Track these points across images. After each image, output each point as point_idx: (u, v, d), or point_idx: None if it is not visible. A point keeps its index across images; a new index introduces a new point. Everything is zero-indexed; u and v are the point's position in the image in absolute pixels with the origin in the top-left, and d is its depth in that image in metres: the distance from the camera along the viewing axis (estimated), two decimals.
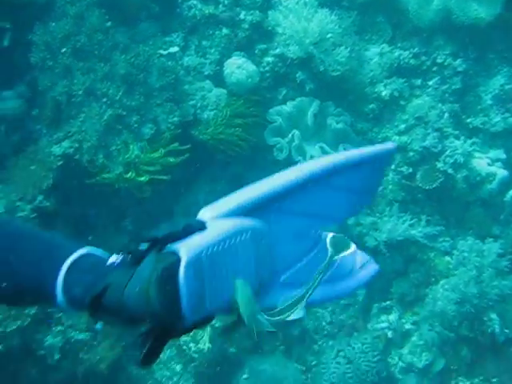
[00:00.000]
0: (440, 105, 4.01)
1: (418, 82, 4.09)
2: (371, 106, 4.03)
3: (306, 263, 0.95)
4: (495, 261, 3.74)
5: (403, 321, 4.08)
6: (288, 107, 3.75)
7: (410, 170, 4.00)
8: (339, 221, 1.03)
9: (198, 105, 3.46)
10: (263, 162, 3.94)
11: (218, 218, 0.84)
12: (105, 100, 3.09)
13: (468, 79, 4.12)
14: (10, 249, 0.88)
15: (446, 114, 4.00)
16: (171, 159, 3.24)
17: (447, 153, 3.92)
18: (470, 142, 3.98)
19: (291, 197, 0.92)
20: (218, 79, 3.63)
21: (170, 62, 3.38)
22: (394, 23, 4.23)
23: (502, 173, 4.01)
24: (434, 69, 4.10)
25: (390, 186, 4.05)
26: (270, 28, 3.83)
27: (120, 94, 3.08)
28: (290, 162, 3.73)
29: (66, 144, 3.14)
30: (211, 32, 3.62)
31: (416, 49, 4.08)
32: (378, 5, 4.17)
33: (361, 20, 4.20)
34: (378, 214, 4.05)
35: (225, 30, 3.62)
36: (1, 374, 2.91)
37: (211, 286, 0.78)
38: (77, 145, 3.11)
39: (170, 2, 3.59)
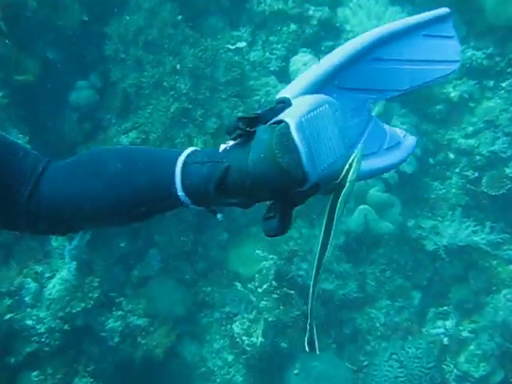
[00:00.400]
0: None
1: (491, 83, 3.94)
2: (438, 106, 3.92)
3: (367, 136, 1.00)
4: None
5: (460, 328, 3.97)
6: None
7: (476, 175, 3.88)
8: (406, 90, 1.05)
9: (263, 100, 3.48)
10: None
11: (296, 96, 0.90)
12: (172, 93, 3.16)
13: None
14: (128, 162, 0.91)
15: None
16: None
17: None
18: None
19: (349, 72, 0.98)
20: (284, 75, 3.64)
21: (236, 57, 3.41)
22: (467, 21, 4.08)
23: None
24: (509, 70, 3.94)
25: (454, 190, 3.94)
26: (338, 25, 3.80)
27: (187, 87, 3.14)
28: None
29: (133, 134, 3.23)
30: (279, 28, 3.63)
31: (490, 49, 3.93)
32: (452, 2, 4.03)
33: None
34: (439, 218, 3.95)
35: (293, 26, 3.62)
36: (64, 352, 3.07)
37: (316, 147, 0.84)
38: (143, 136, 3.20)
39: None
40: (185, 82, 3.19)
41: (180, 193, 0.86)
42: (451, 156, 3.96)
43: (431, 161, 3.99)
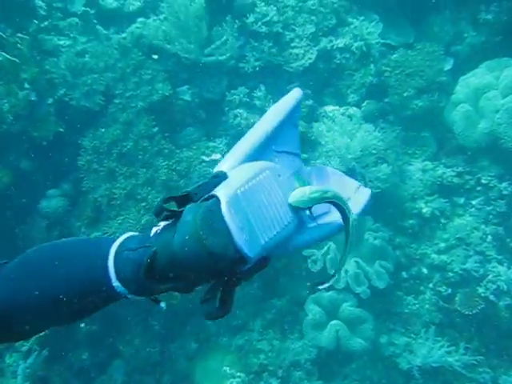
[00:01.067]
0: (483, 226, 3.90)
1: (461, 200, 4.01)
2: (411, 221, 3.95)
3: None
4: None
5: None
6: None
7: (449, 291, 3.84)
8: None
9: None
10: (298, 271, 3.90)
11: (233, 168, 0.89)
12: (144, 204, 3.14)
13: None
14: (58, 258, 0.87)
15: (490, 237, 3.87)
16: None
17: (489, 278, 3.76)
18: None
19: (282, 137, 1.01)
20: None
21: (211, 169, 3.43)
22: (439, 138, 4.22)
23: None
24: (478, 188, 4.02)
25: (427, 306, 3.88)
26: (313, 138, 3.89)
27: (159, 199, 3.13)
28: (324, 274, 3.66)
29: None
30: None
31: (460, 168, 4.03)
32: (424, 119, 4.17)
33: (405, 134, 4.21)
34: (412, 335, 3.87)
35: None
36: None
37: (256, 220, 0.81)
38: None
39: (216, 109, 3.71)
40: (157, 193, 3.19)
41: (115, 283, 0.82)
42: (424, 271, 3.94)
43: (404, 275, 3.97)
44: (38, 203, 3.25)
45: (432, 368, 3.69)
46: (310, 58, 3.89)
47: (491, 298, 3.68)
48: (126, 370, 3.73)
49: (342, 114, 4.06)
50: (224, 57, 3.59)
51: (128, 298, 0.85)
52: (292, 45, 3.90)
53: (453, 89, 4.09)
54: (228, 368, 3.38)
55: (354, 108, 4.15)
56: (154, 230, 0.85)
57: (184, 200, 0.81)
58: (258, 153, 0.95)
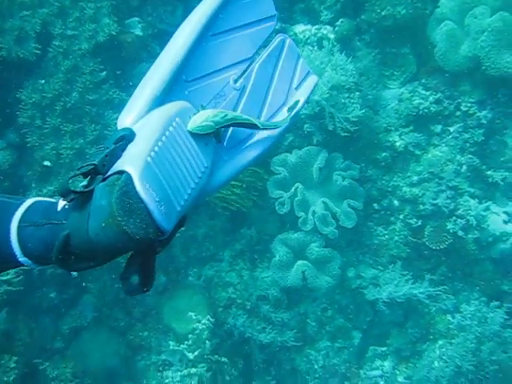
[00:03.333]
0: (459, 157, 3.74)
1: (438, 128, 3.79)
2: (384, 154, 3.78)
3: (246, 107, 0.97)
4: (497, 332, 3.60)
5: (397, 372, 4.02)
6: (293, 157, 3.55)
7: (419, 224, 3.80)
8: (254, 55, 1.02)
9: None
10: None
11: (139, 119, 0.82)
12: None
13: (493, 128, 3.80)
14: None
15: (465, 167, 3.74)
16: None
17: (459, 211, 3.69)
18: (485, 203, 3.72)
19: (193, 62, 0.92)
20: None
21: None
22: (421, 53, 3.88)
23: None
24: (457, 114, 3.79)
25: (396, 238, 3.86)
26: None
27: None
28: (292, 216, 3.58)
29: None
30: None
31: (439, 93, 3.75)
32: (406, 31, 3.78)
33: (383, 51, 3.86)
34: (380, 267, 3.90)
35: None
36: None
37: (171, 184, 0.77)
38: None
39: None
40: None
41: (21, 258, 0.80)
42: (395, 203, 3.86)
43: (375, 206, 3.89)
44: None
45: (397, 301, 3.77)
46: None
47: (460, 233, 3.65)
48: (95, 306, 3.79)
49: (314, 35, 3.68)
50: None
51: (34, 268, 0.83)
52: None
53: None
54: (193, 313, 3.42)
55: (328, 27, 3.76)
56: (62, 203, 0.79)
57: (91, 175, 0.74)
58: (165, 93, 0.85)
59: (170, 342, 3.56)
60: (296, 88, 1.05)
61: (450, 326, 3.83)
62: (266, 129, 0.95)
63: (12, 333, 3.20)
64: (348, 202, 3.54)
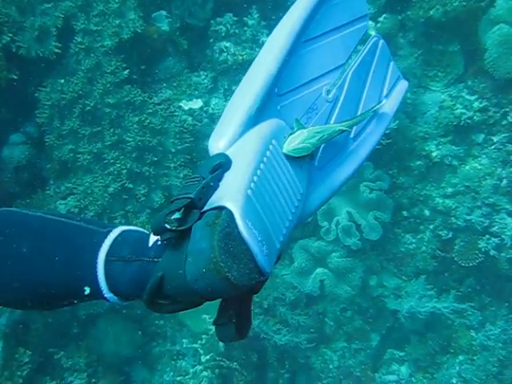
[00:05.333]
0: (500, 170, 3.50)
1: (480, 138, 3.54)
2: (418, 162, 3.57)
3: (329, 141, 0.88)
4: None
5: (413, 380, 3.95)
6: None
7: (450, 236, 3.62)
8: (346, 61, 0.96)
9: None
10: None
11: (234, 142, 0.76)
12: (112, 170, 2.87)
13: None
14: (36, 247, 0.77)
15: (505, 182, 3.50)
16: None
17: (494, 229, 3.49)
18: None
19: (285, 73, 0.84)
20: None
21: (190, 119, 3.05)
22: (471, 51, 3.57)
23: None
24: (504, 123, 3.52)
25: (424, 248, 3.70)
26: None
27: (130, 161, 2.85)
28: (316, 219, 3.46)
29: (71, 202, 2.99)
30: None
31: (485, 100, 3.48)
32: (455, 27, 3.47)
33: (428, 48, 3.58)
34: (404, 277, 3.77)
35: None
36: None
37: (271, 220, 0.71)
38: (82, 205, 2.97)
39: (200, 38, 3.16)
40: (126, 159, 2.88)
41: (107, 294, 0.75)
42: (426, 212, 3.68)
43: (405, 213, 3.72)
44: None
45: (420, 313, 3.66)
46: None
47: (492, 252, 3.46)
48: None
49: None
50: None
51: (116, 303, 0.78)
52: None
53: None
54: (208, 316, 3.40)
55: (370, 22, 3.48)
56: (153, 237, 0.74)
57: (186, 209, 0.68)
58: (260, 110, 0.78)
59: (184, 340, 3.56)
60: (386, 96, 0.98)
61: (473, 343, 3.71)
62: (353, 126, 0.90)
63: (27, 322, 3.24)
64: (374, 214, 3.39)
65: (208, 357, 3.31)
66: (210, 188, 0.70)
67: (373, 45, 0.98)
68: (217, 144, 0.76)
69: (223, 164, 0.72)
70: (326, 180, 0.87)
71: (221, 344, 3.52)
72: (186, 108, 3.02)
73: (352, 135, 0.93)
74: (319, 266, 3.53)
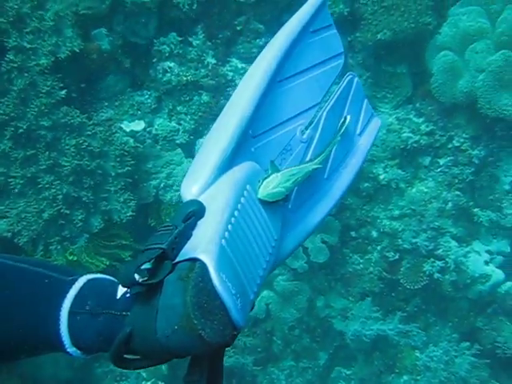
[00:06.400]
0: (445, 193, 3.52)
1: (427, 161, 3.56)
2: (366, 184, 3.56)
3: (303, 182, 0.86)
4: (464, 377, 3.51)
5: None
6: None
7: (396, 257, 3.63)
8: (321, 100, 0.94)
9: (162, 185, 3.09)
10: None
11: (207, 188, 0.73)
12: (47, 194, 2.74)
13: (486, 162, 3.57)
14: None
15: (450, 205, 3.53)
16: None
17: (439, 252, 3.52)
18: (467, 244, 3.55)
19: (260, 114, 0.81)
20: (192, 150, 3.21)
21: (132, 141, 2.95)
22: (419, 73, 3.58)
23: (497, 275, 3.62)
24: (449, 146, 3.55)
25: (371, 269, 3.70)
26: None
27: (66, 186, 2.73)
28: None
29: (3, 226, 2.85)
30: (188, 98, 3.13)
31: (431, 124, 3.49)
32: (404, 48, 3.46)
33: (377, 69, 3.57)
34: (351, 298, 3.76)
35: (205, 97, 3.13)
36: None
37: (245, 270, 0.68)
38: (15, 230, 2.83)
39: (144, 57, 3.06)
40: (64, 184, 2.76)
41: (70, 349, 0.70)
42: (374, 234, 3.68)
43: (353, 234, 3.71)
44: None
45: (366, 335, 3.66)
46: None
47: (436, 275, 3.49)
48: None
49: None
50: None
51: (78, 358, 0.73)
52: None
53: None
54: None
55: None
56: (122, 289, 0.70)
57: (157, 260, 0.64)
58: (234, 153, 0.76)
59: None
60: (360, 134, 0.98)
61: (417, 363, 3.74)
62: (321, 162, 0.87)
63: None
64: (321, 237, 3.37)
65: (150, 382, 3.22)
66: (183, 237, 0.66)
67: (348, 83, 0.97)
68: (190, 189, 0.73)
69: (197, 212, 0.69)
70: (300, 222, 0.85)
71: (164, 367, 3.44)
72: (128, 130, 2.90)
73: (326, 176, 0.92)
74: (266, 289, 3.48)
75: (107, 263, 2.83)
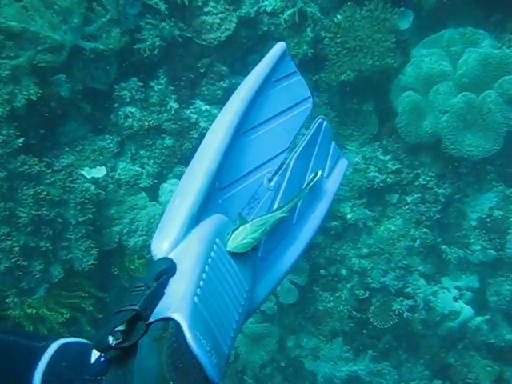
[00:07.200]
0: (413, 231, 3.52)
1: (394, 198, 3.56)
2: (334, 223, 3.54)
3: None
4: None
5: None
6: None
7: (366, 295, 3.61)
8: (289, 146, 0.94)
9: (125, 230, 3.03)
10: None
11: (177, 244, 0.73)
12: (3, 246, 2.67)
13: (452, 199, 3.58)
14: None
15: (418, 242, 3.53)
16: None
17: (408, 290, 3.51)
18: (436, 281, 3.55)
19: (226, 167, 0.82)
20: (156, 194, 3.17)
21: (93, 188, 2.89)
22: (385, 109, 3.59)
23: (466, 312, 3.62)
24: (416, 183, 3.55)
25: (341, 307, 3.67)
26: None
27: (23, 236, 2.66)
28: None
29: None
30: (151, 142, 3.09)
31: (398, 162, 3.50)
32: (369, 86, 3.48)
33: (343, 108, 3.58)
34: (321, 337, 3.72)
35: (168, 141, 3.09)
36: None
37: (218, 325, 0.68)
38: None
39: (104, 102, 3.02)
40: (21, 235, 2.69)
41: None
42: (343, 272, 3.65)
43: (322, 272, 3.68)
44: None
45: (337, 376, 3.62)
46: (227, 29, 3.08)
47: (406, 314, 3.47)
48: None
49: None
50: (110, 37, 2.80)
51: None
52: (205, 10, 3.04)
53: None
54: None
55: None
56: (95, 353, 0.70)
57: (130, 321, 0.63)
58: (202, 207, 0.76)
59: None
60: (327, 177, 0.99)
61: None
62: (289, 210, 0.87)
63: None
64: (289, 278, 3.33)
65: None
66: (156, 297, 0.66)
67: (317, 127, 0.98)
68: (160, 246, 0.72)
69: (168, 270, 0.69)
70: (271, 270, 0.86)
71: None
72: (89, 176, 2.85)
73: (294, 221, 0.92)
74: None
75: (68, 316, 2.75)
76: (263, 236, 0.81)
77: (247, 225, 0.78)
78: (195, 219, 0.75)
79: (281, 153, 0.92)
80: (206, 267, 0.70)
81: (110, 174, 3.05)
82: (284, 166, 0.92)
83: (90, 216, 2.84)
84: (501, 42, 3.39)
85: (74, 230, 2.83)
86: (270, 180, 0.89)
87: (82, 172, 2.89)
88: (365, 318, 3.58)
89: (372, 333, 3.66)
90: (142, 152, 3.07)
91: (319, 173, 0.95)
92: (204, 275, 0.69)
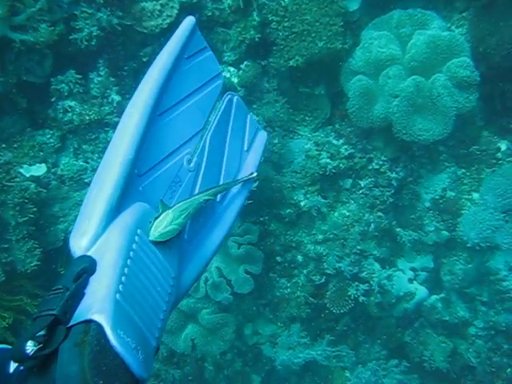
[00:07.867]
0: (367, 215, 3.51)
1: (348, 183, 3.53)
2: (288, 210, 3.51)
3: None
4: None
5: None
6: None
7: (323, 281, 3.60)
8: (205, 125, 0.92)
9: (71, 228, 2.93)
10: None
11: (97, 239, 0.70)
12: None
13: (406, 182, 3.57)
14: None
15: (372, 226, 3.52)
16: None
17: (363, 275, 3.51)
18: (391, 263, 3.57)
19: (143, 152, 0.79)
20: None
21: (33, 186, 2.77)
22: (337, 92, 3.53)
23: (421, 292, 3.66)
24: (370, 168, 3.53)
25: (298, 293, 3.67)
26: None
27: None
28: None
29: None
30: (94, 136, 2.97)
31: (351, 147, 3.46)
32: (321, 69, 3.40)
33: (294, 92, 3.50)
34: (279, 324, 3.72)
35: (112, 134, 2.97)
36: None
37: (144, 318, 0.65)
38: None
39: (41, 96, 2.88)
40: None
41: None
42: (299, 258, 3.64)
43: (278, 259, 3.66)
44: None
45: (295, 362, 3.64)
46: (169, 16, 2.95)
47: (361, 299, 3.48)
48: None
49: None
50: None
51: None
52: None
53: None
54: None
55: (231, 69, 3.35)
56: (14, 365, 0.65)
57: (50, 327, 0.60)
58: (121, 197, 0.74)
59: None
60: (247, 150, 0.98)
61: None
62: (217, 194, 0.87)
63: None
64: (245, 268, 3.29)
65: None
66: (75, 299, 0.63)
67: (227, 103, 0.97)
68: (79, 243, 0.70)
69: (87, 268, 0.66)
70: (197, 251, 0.84)
71: None
72: (28, 175, 2.73)
73: (218, 199, 0.91)
74: (190, 324, 3.39)
75: (11, 320, 2.66)
76: (188, 220, 0.78)
77: (169, 211, 0.75)
78: (115, 211, 0.72)
79: (197, 132, 0.90)
80: (128, 261, 0.67)
81: (53, 170, 2.93)
82: (201, 146, 0.90)
83: (31, 216, 2.74)
84: (450, 21, 3.35)
85: (14, 231, 2.72)
86: (189, 161, 0.88)
87: (20, 170, 2.76)
88: (321, 303, 3.59)
89: (330, 317, 3.67)
90: (85, 146, 2.96)
91: (255, 174, 0.94)
92: (126, 270, 0.66)
